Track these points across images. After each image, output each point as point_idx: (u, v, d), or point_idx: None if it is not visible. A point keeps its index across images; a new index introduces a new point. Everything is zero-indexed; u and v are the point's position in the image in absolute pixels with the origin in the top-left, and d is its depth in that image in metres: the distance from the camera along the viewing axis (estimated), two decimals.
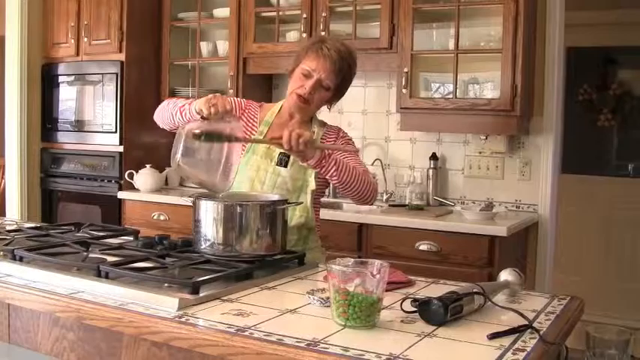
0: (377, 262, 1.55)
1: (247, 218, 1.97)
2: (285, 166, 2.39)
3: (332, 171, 2.20)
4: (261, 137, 2.42)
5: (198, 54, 4.57)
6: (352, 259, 1.62)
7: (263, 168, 2.39)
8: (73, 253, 2.05)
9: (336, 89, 2.40)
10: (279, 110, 2.49)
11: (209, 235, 1.99)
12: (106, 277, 1.79)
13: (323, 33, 3.91)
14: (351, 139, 2.54)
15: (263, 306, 1.66)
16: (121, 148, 4.45)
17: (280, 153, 2.38)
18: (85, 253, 2.03)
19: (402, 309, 1.63)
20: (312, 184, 2.39)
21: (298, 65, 2.40)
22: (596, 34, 5.41)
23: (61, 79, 4.75)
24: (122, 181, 4.43)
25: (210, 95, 2.17)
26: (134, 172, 4.38)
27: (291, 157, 2.35)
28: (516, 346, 1.42)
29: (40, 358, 1.81)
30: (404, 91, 3.74)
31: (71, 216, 4.52)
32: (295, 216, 2.38)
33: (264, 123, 2.46)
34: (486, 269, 3.23)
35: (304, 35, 3.99)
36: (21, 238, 2.25)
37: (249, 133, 2.45)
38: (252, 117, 2.49)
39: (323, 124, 2.52)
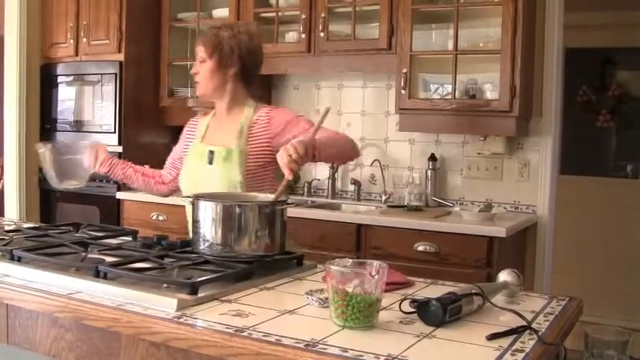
0: (376, 263, 1.55)
1: (246, 219, 1.97)
2: (211, 163, 2.46)
3: (317, 157, 2.19)
4: (200, 140, 2.56)
5: None
6: (351, 260, 1.62)
7: (197, 167, 2.50)
8: (72, 253, 2.05)
9: (215, 57, 2.45)
10: (215, 112, 2.62)
11: (208, 236, 1.99)
12: (105, 277, 1.79)
13: (322, 34, 3.92)
14: (292, 111, 2.58)
15: (262, 306, 1.66)
16: (119, 149, 4.45)
17: (208, 151, 2.47)
18: (84, 254, 2.03)
19: (400, 310, 1.63)
20: (238, 177, 2.41)
21: None
22: (595, 35, 5.41)
23: (60, 79, 4.75)
24: (121, 182, 4.42)
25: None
26: None
27: (215, 154, 2.44)
28: (515, 346, 1.42)
29: (39, 358, 1.81)
30: (403, 91, 3.74)
31: (70, 216, 4.51)
32: None
33: (202, 125, 2.61)
34: (485, 270, 3.23)
35: (303, 36, 4.00)
36: (19, 239, 2.25)
37: (190, 144, 2.60)
38: (193, 129, 2.66)
39: (257, 107, 2.54)
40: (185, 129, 2.70)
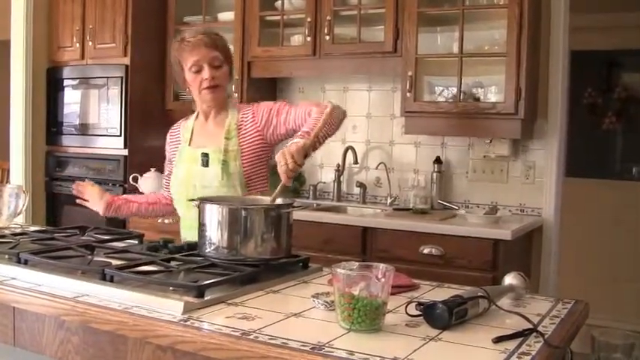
0: (382, 266, 1.55)
1: (252, 222, 1.98)
2: (207, 166, 2.48)
3: (316, 148, 2.24)
4: (187, 144, 2.57)
5: None
6: (357, 263, 1.62)
7: (191, 170, 2.51)
8: (78, 256, 2.06)
9: (229, 62, 2.53)
10: (197, 116, 2.63)
11: (214, 239, 2.00)
12: (111, 280, 1.79)
13: (327, 37, 3.93)
14: (269, 103, 2.55)
15: (268, 309, 1.66)
16: (125, 152, 4.46)
17: (202, 154, 2.48)
18: (90, 257, 2.04)
19: (406, 313, 1.63)
20: (237, 176, 2.44)
21: (184, 70, 2.51)
22: (601, 37, 5.40)
23: (65, 82, 4.77)
24: (126, 185, 4.43)
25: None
26: (138, 176, 4.37)
27: (210, 156, 2.46)
28: (521, 349, 1.42)
29: None
30: (408, 94, 3.74)
31: (76, 219, 4.50)
32: None
33: (186, 130, 2.62)
34: (490, 273, 3.23)
35: (308, 39, 4.00)
36: (26, 242, 2.26)
37: (175, 150, 2.63)
38: (176, 136, 2.68)
39: (238, 108, 2.57)
40: (168, 138, 2.73)
